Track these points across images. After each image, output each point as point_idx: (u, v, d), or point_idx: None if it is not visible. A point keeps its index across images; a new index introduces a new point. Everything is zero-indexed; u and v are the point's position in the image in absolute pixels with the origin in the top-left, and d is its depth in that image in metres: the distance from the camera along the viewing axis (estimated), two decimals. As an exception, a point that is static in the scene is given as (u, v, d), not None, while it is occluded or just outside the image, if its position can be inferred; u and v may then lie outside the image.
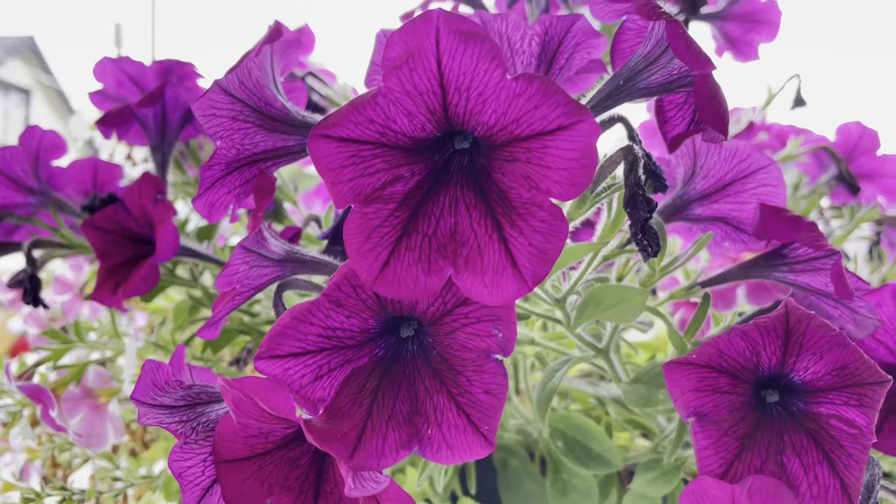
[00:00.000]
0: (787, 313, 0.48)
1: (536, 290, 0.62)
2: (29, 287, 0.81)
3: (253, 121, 0.56)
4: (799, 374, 0.49)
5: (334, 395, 0.46)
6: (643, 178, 0.53)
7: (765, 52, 1.13)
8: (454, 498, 0.78)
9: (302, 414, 0.45)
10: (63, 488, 0.70)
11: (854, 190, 1.10)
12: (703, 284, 0.66)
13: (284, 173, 1.02)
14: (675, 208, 0.68)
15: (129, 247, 0.80)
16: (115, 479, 0.76)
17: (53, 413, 0.73)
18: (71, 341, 0.79)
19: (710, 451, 0.48)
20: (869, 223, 1.03)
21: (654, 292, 0.82)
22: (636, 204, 0.53)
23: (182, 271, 0.90)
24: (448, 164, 0.44)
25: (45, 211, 0.91)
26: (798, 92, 1.20)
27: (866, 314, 0.55)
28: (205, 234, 0.89)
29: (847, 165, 1.14)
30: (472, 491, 0.76)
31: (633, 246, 0.67)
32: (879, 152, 1.21)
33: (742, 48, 1.11)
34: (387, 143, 0.42)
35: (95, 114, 1.03)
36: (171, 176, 1.00)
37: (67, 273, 1.10)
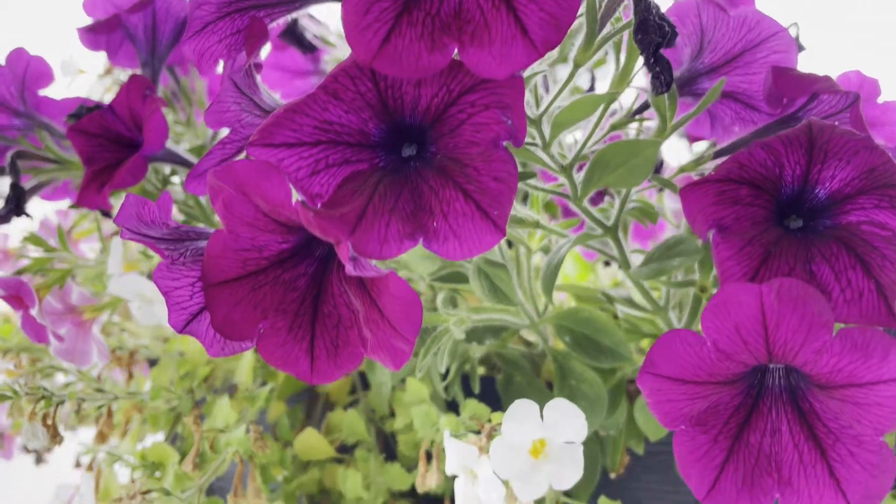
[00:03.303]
0: (809, 124, 0.46)
1: (542, 155, 0.60)
2: (12, 195, 0.77)
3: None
4: (825, 186, 0.47)
5: (333, 192, 0.43)
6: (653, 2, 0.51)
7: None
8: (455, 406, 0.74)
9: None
10: (42, 388, 0.66)
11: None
12: (717, 155, 0.64)
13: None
14: (682, 82, 0.66)
15: (116, 151, 0.77)
16: (99, 391, 0.72)
17: (34, 312, 0.69)
18: (54, 249, 0.76)
19: (733, 260, 0.45)
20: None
21: (660, 167, 0.80)
22: (647, 29, 0.51)
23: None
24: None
25: (32, 135, 0.89)
26: (797, 38, 1.20)
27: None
28: (197, 152, 0.87)
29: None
30: (476, 390, 0.72)
31: (640, 116, 0.65)
32: (880, 100, 1.20)
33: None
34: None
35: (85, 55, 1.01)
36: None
37: (53, 218, 1.06)
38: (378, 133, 0.45)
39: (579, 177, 0.62)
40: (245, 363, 0.83)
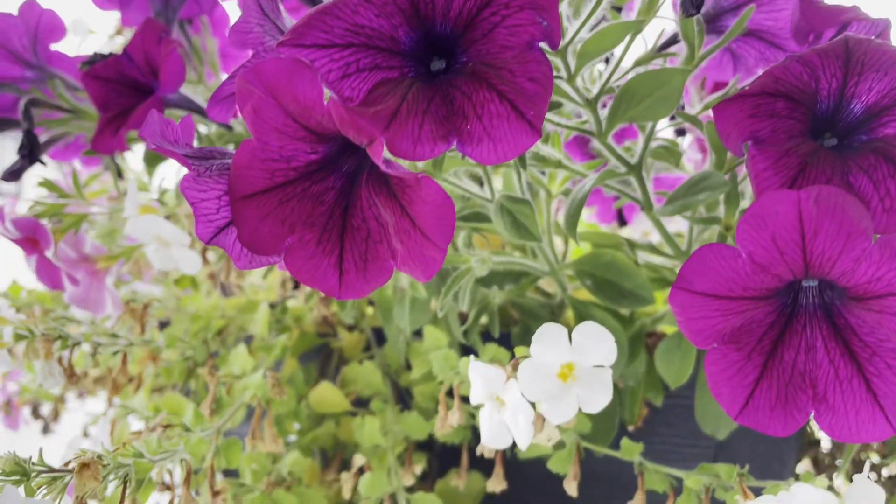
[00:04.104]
0: (846, 37, 0.45)
1: (567, 88, 0.59)
2: (26, 142, 0.77)
3: None
4: (861, 99, 0.46)
5: (364, 96, 0.42)
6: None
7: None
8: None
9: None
10: (58, 328, 0.66)
11: None
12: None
13: None
14: (707, 18, 0.65)
15: (131, 97, 0.76)
16: (114, 336, 0.71)
17: (49, 253, 0.68)
18: (69, 195, 0.75)
19: (769, 171, 0.44)
20: None
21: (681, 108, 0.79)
22: (677, -53, 0.50)
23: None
24: None
25: (44, 88, 0.88)
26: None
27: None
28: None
29: None
30: (496, 334, 0.72)
31: (668, 50, 0.64)
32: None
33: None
34: None
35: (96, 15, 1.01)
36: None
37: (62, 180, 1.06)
38: (408, 41, 0.44)
39: (603, 113, 0.61)
40: (260, 315, 0.82)
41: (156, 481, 0.52)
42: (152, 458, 0.51)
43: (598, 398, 0.49)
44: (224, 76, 0.97)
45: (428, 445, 0.80)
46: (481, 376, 0.51)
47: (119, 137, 0.70)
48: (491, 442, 0.52)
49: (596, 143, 0.64)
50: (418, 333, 0.78)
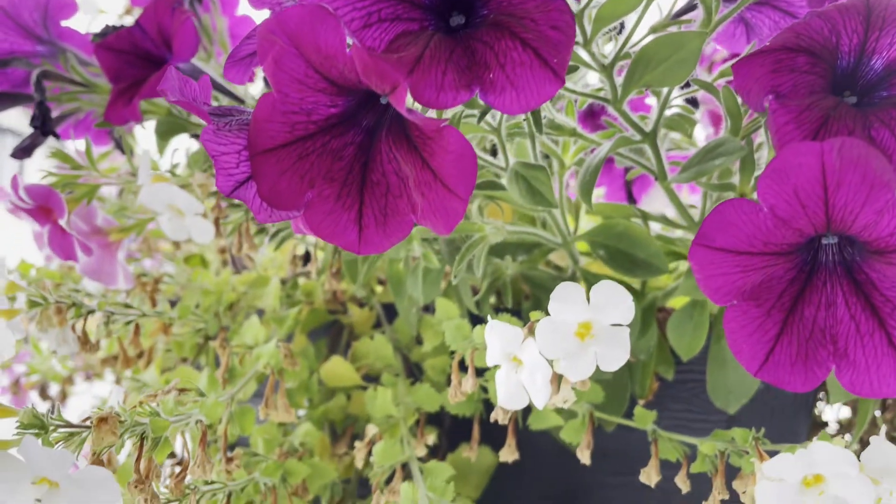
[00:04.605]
0: (866, -7, 0.45)
1: (583, 53, 0.59)
2: (38, 113, 0.77)
3: None
4: (882, 55, 0.46)
5: (386, 46, 0.42)
6: None
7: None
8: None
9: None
10: (71, 296, 0.66)
11: None
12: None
13: None
14: (721, -13, 0.65)
15: (143, 68, 0.76)
16: (127, 306, 0.71)
17: (63, 221, 0.68)
18: (81, 166, 0.75)
19: (791, 125, 0.44)
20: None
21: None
22: None
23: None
24: None
25: (56, 63, 0.88)
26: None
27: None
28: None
29: None
30: (509, 304, 0.72)
31: (683, 18, 0.64)
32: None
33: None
34: None
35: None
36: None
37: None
38: (427, -1, 0.44)
39: (618, 81, 0.61)
40: (272, 289, 0.82)
41: (172, 442, 0.52)
42: (168, 417, 0.51)
43: (616, 356, 0.49)
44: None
45: (438, 421, 0.80)
46: (499, 335, 0.51)
47: (132, 107, 0.70)
48: (507, 403, 0.52)
49: (608, 113, 0.64)
50: (427, 310, 0.78)
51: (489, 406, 0.73)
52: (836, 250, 0.47)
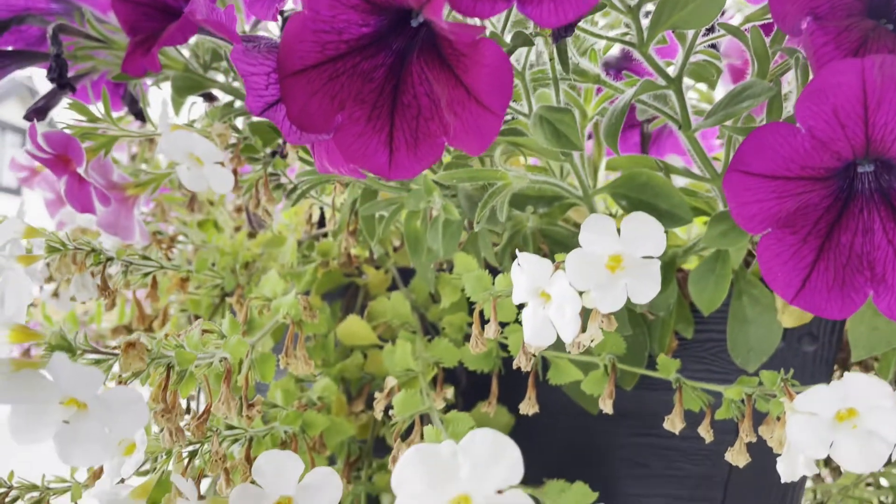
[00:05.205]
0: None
1: (608, -4, 0.58)
2: (54, 65, 0.76)
3: None
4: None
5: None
6: None
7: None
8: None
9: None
10: (90, 243, 0.65)
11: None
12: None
13: None
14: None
15: (161, 20, 0.76)
16: (145, 258, 0.71)
17: (80, 169, 0.67)
18: (99, 119, 0.75)
19: (830, 45, 0.43)
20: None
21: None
22: None
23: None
24: None
25: (71, 20, 0.87)
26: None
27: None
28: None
29: None
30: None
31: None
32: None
33: None
34: None
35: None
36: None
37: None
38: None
39: (645, 24, 0.60)
40: (289, 246, 0.82)
41: (197, 379, 0.52)
42: (194, 351, 0.51)
43: (647, 289, 0.49)
44: (246, 24, 0.96)
45: (454, 380, 0.79)
46: (527, 270, 0.50)
47: (151, 56, 0.70)
48: (534, 339, 0.52)
49: (634, 57, 0.63)
50: (443, 269, 0.78)
51: (508, 363, 0.73)
52: (873, 178, 0.46)
